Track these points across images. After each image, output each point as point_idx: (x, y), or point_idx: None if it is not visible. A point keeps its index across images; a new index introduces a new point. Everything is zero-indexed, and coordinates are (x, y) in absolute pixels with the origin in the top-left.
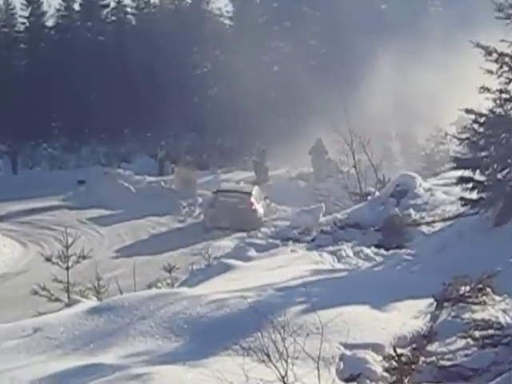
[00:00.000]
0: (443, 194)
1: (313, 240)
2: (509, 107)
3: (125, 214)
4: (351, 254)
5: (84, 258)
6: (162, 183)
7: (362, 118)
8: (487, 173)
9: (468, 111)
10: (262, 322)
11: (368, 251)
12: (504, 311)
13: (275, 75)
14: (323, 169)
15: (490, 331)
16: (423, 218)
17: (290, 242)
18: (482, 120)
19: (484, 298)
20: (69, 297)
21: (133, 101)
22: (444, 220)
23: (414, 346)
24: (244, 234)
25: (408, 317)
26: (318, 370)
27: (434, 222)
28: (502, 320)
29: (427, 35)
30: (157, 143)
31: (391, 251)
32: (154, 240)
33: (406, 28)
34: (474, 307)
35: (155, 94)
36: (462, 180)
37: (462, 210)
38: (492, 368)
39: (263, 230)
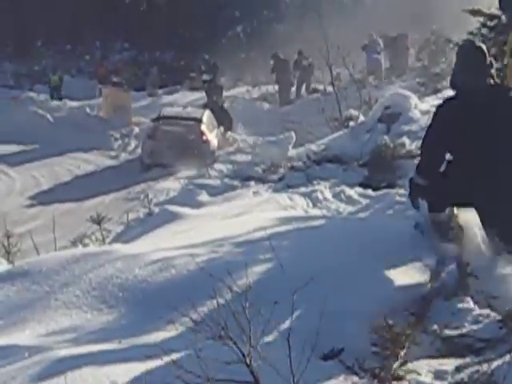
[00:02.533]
0: None
1: (281, 179)
2: None
3: (40, 150)
4: (330, 196)
5: None
6: (87, 110)
7: (340, 23)
8: None
9: (474, 12)
10: (217, 288)
11: (351, 192)
12: None
13: None
14: (291, 87)
15: None
16: None
17: (252, 183)
18: (492, 24)
19: None
20: None
21: (47, 3)
22: None
23: (410, 312)
24: (193, 173)
25: (403, 275)
26: (290, 347)
27: None
28: None
29: None
30: (80, 58)
31: (380, 191)
32: (78, 183)
33: None
34: None
35: None
36: None
37: None
38: (509, 338)
39: (217, 166)
